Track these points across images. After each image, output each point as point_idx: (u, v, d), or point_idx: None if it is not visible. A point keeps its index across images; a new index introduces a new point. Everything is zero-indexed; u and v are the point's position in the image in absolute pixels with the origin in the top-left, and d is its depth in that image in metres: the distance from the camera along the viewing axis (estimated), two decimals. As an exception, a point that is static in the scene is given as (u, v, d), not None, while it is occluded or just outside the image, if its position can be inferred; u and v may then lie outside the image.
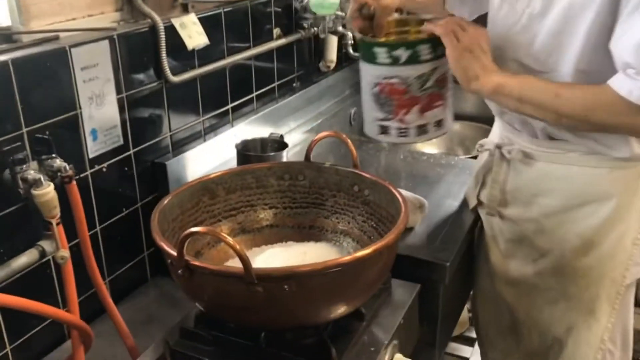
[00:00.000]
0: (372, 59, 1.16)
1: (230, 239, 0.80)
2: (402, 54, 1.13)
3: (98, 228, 1.26)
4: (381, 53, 1.14)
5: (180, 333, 1.02)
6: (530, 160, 1.27)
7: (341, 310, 0.94)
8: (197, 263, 0.86)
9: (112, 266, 1.31)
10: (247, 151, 1.45)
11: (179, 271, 0.87)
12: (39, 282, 1.15)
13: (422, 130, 1.19)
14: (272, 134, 1.54)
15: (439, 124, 1.20)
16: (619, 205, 1.21)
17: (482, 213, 1.41)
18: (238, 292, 0.85)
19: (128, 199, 1.33)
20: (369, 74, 1.19)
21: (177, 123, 1.44)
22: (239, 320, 0.95)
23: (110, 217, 1.29)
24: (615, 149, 1.17)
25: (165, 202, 1.02)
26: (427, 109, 1.17)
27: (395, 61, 1.13)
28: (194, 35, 1.42)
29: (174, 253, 0.86)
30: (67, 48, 1.13)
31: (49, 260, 1.13)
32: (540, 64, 1.15)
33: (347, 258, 0.86)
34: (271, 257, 1.07)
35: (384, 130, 1.21)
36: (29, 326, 1.14)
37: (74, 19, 1.25)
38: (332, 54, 1.98)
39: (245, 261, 0.81)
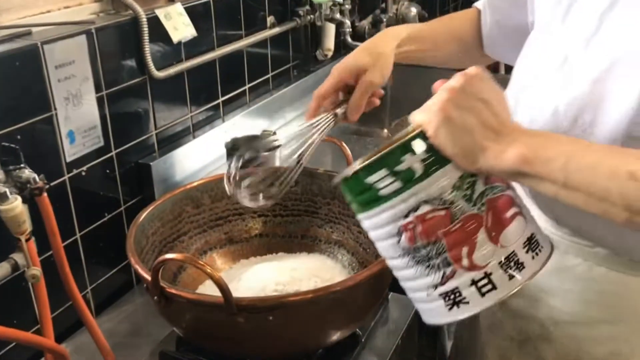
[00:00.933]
0: (371, 199, 0.71)
1: (208, 268, 0.73)
2: (413, 160, 0.68)
3: (78, 235, 1.18)
4: (380, 179, 0.69)
5: (160, 357, 0.95)
6: None
7: (333, 337, 0.87)
8: (173, 291, 0.78)
9: (94, 274, 1.24)
10: (236, 150, 1.37)
11: (155, 297, 0.80)
12: (14, 295, 1.07)
13: (512, 265, 0.70)
14: (264, 131, 1.45)
15: (530, 244, 0.72)
16: None
17: None
18: (218, 322, 0.78)
19: (110, 203, 1.25)
20: (378, 225, 0.73)
21: (163, 120, 1.36)
22: (220, 349, 0.88)
23: (91, 223, 1.21)
24: None
25: (142, 217, 0.95)
26: (500, 227, 0.70)
27: (409, 178, 0.69)
28: (180, 26, 1.33)
29: (149, 278, 0.79)
30: (39, 45, 1.04)
31: (24, 271, 1.06)
32: (568, 121, 0.79)
33: (340, 285, 0.79)
34: (259, 274, 1.00)
35: (453, 299, 0.71)
36: (1, 344, 1.07)
37: (48, 11, 1.16)
38: (329, 42, 1.89)
39: (225, 291, 0.73)
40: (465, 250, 0.69)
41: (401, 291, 1.12)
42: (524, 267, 0.70)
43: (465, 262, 0.69)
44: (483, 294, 0.69)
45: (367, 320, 0.99)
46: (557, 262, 0.84)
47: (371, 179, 0.69)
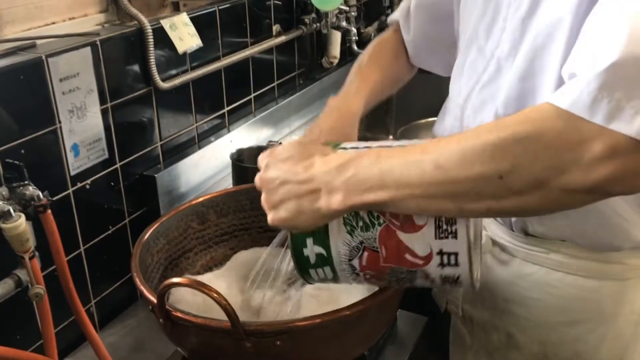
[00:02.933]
0: (330, 280, 0.79)
1: (214, 293, 0.71)
2: (310, 250, 0.74)
3: (82, 249, 1.17)
4: (316, 275, 0.77)
5: (165, 378, 0.93)
6: (504, 254, 0.94)
7: (341, 360, 0.85)
8: (179, 314, 0.77)
9: (98, 287, 1.23)
10: (242, 161, 1.36)
11: (160, 320, 0.79)
12: (16, 309, 1.06)
13: (445, 227, 0.71)
14: (270, 142, 1.44)
15: (451, 229, 0.70)
16: (622, 327, 0.91)
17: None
18: (225, 347, 0.76)
19: (115, 216, 1.24)
20: (359, 282, 0.80)
21: (168, 131, 1.34)
22: (226, 373, 0.86)
23: (95, 236, 1.20)
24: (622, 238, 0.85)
25: (147, 234, 0.93)
26: (409, 217, 0.71)
27: (325, 260, 0.75)
28: (185, 37, 1.32)
29: (154, 300, 0.78)
30: (44, 58, 1.03)
31: (27, 286, 1.05)
32: None
33: (349, 309, 0.77)
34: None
35: (451, 282, 0.74)
36: (4, 360, 1.06)
37: (53, 23, 1.15)
38: (335, 49, 1.87)
39: (232, 317, 0.72)
40: (409, 256, 0.72)
41: (410, 308, 1.11)
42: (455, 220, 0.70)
43: (419, 261, 0.72)
44: (456, 264, 0.71)
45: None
46: (516, 270, 0.92)
47: (314, 278, 0.77)
